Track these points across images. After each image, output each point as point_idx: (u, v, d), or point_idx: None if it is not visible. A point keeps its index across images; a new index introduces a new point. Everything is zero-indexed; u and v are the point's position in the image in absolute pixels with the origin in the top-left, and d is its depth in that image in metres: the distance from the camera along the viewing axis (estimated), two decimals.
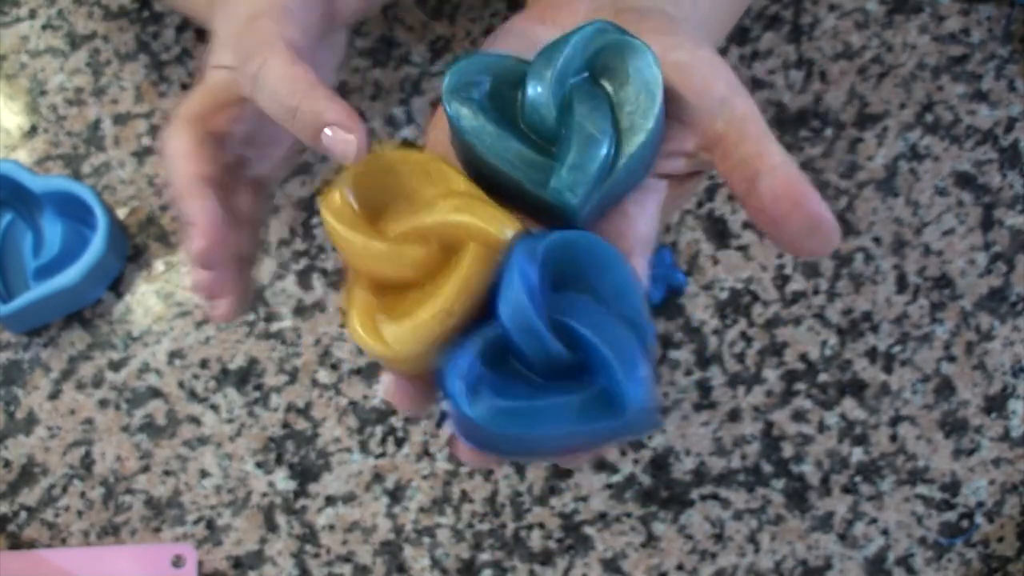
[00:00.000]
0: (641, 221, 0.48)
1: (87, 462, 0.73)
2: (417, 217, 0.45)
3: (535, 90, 0.44)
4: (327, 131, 0.45)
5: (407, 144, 0.77)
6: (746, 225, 0.77)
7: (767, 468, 0.73)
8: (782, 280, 0.75)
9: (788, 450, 0.73)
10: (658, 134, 0.46)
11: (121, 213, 0.77)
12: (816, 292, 0.76)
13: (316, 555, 0.72)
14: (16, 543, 0.72)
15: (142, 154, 0.78)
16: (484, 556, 0.72)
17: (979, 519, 0.72)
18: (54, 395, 0.74)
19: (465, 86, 0.45)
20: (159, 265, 0.77)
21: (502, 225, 0.44)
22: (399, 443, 0.73)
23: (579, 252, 0.45)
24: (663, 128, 0.46)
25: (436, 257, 0.45)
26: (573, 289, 0.45)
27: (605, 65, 0.45)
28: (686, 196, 0.50)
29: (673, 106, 0.47)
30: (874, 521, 0.72)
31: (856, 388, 0.74)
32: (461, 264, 0.44)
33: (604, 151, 0.44)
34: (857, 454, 0.73)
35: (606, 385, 0.44)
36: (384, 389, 0.47)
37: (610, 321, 0.44)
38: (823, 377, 0.74)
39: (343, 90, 0.79)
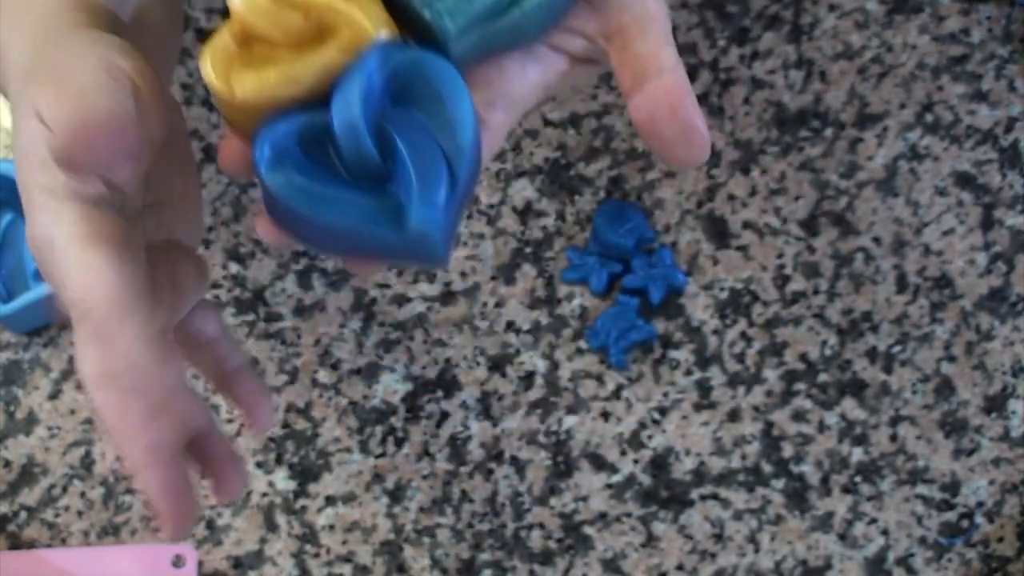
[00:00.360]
0: (516, 79, 0.47)
1: (87, 462, 0.73)
2: None
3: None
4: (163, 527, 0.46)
5: None
6: (746, 225, 0.77)
7: (767, 468, 0.73)
8: (782, 280, 0.75)
9: (788, 450, 0.73)
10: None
11: None
12: (816, 292, 0.76)
13: (316, 555, 0.72)
14: (16, 543, 0.72)
15: None
16: (484, 556, 0.72)
17: (979, 519, 0.72)
18: (54, 395, 0.74)
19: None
20: None
21: (378, 24, 0.45)
22: (399, 443, 0.74)
23: (429, 74, 0.45)
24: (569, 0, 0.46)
25: (311, 33, 0.46)
26: (410, 104, 0.45)
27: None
28: (571, 81, 0.49)
29: None
30: (874, 521, 0.72)
31: (856, 388, 0.74)
32: (327, 45, 0.45)
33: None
34: (857, 454, 0.73)
35: (402, 200, 0.45)
36: (219, 155, 0.47)
37: (431, 145, 0.45)
38: (823, 377, 0.74)
39: None
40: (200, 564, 0.72)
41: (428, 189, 0.44)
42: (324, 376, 0.75)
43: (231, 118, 0.47)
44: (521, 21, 0.46)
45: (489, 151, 0.48)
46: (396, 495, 0.73)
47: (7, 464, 0.73)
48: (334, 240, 0.46)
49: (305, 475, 0.73)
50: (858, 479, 0.73)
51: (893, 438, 0.73)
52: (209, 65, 0.45)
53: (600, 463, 0.73)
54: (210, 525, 0.72)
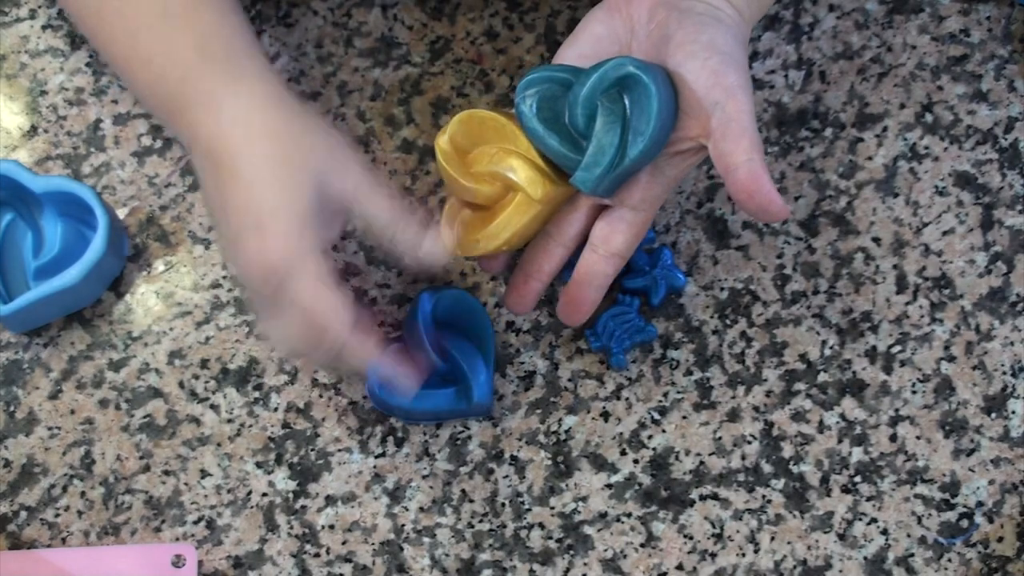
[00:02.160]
0: (650, 186, 0.68)
1: (87, 462, 0.73)
2: (490, 165, 0.68)
3: (573, 103, 0.66)
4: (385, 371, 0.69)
5: (492, 108, 0.78)
6: (746, 225, 0.77)
7: (767, 468, 0.73)
8: (782, 280, 0.75)
9: (788, 450, 0.73)
10: (655, 140, 0.65)
11: (121, 213, 0.77)
12: (816, 292, 0.76)
13: (316, 555, 0.72)
14: (16, 543, 0.72)
15: (142, 154, 0.78)
16: (484, 556, 0.72)
17: (979, 519, 0.72)
18: (54, 395, 0.74)
19: (530, 90, 0.66)
20: (159, 265, 0.77)
21: (536, 187, 0.67)
22: (399, 443, 0.74)
23: (458, 301, 0.73)
24: (664, 132, 0.65)
25: (501, 192, 0.68)
26: (453, 323, 0.73)
27: (627, 88, 0.65)
28: (694, 164, 0.68)
29: (685, 104, 0.65)
30: (874, 521, 0.72)
31: (856, 388, 0.74)
32: (508, 206, 0.68)
33: (608, 159, 0.65)
34: (857, 454, 0.73)
35: (462, 385, 0.72)
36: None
37: (470, 348, 0.72)
38: (823, 377, 0.74)
39: (343, 90, 0.79)
40: (200, 564, 0.72)
41: (476, 377, 0.71)
42: (324, 376, 0.75)
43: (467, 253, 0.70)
44: (632, 163, 0.65)
45: (637, 242, 0.69)
46: (396, 495, 0.73)
47: (7, 464, 0.73)
48: (425, 415, 0.73)
49: (305, 475, 0.73)
50: (858, 479, 0.73)
51: (893, 438, 0.73)
52: (455, 237, 0.69)
53: (600, 463, 0.73)
54: (210, 525, 0.72)
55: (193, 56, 0.66)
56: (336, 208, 0.65)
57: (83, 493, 0.73)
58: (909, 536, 0.72)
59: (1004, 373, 0.74)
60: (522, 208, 0.67)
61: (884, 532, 0.72)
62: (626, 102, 0.65)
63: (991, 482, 0.72)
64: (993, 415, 0.73)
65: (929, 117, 0.78)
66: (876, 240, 0.76)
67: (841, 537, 0.72)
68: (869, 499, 0.72)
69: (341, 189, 0.65)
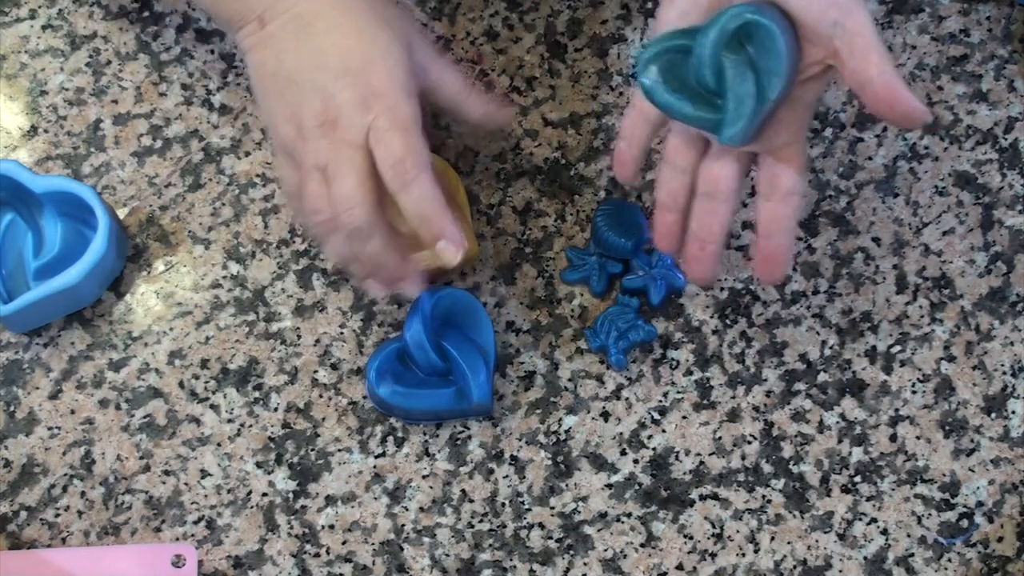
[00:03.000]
0: (793, 117, 0.66)
1: (87, 462, 0.73)
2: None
3: (698, 65, 0.64)
4: (441, 243, 0.67)
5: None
6: (746, 225, 0.77)
7: (767, 468, 0.73)
8: (782, 280, 0.75)
9: (788, 450, 0.73)
10: (789, 77, 0.63)
11: (121, 213, 0.77)
12: (816, 292, 0.76)
13: (316, 555, 0.72)
14: (16, 543, 0.72)
15: (142, 154, 0.78)
16: (484, 556, 0.72)
17: (979, 519, 0.72)
18: (54, 395, 0.74)
19: (650, 67, 0.65)
20: (159, 265, 0.77)
21: (441, 256, 0.69)
22: (399, 443, 0.74)
23: (458, 301, 0.74)
24: (793, 65, 0.64)
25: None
26: (453, 323, 0.74)
27: (747, 35, 0.63)
28: (825, 85, 0.66)
29: (803, 31, 0.64)
30: (874, 521, 0.72)
31: (856, 388, 0.74)
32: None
33: (750, 108, 0.64)
34: (857, 454, 0.73)
35: (462, 385, 0.72)
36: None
37: (470, 347, 0.73)
38: (823, 377, 0.74)
39: None
40: (200, 564, 0.72)
41: (476, 376, 0.71)
42: (324, 376, 0.75)
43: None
44: (770, 104, 0.64)
45: (802, 172, 0.67)
46: (396, 495, 0.73)
47: (7, 464, 0.73)
48: (424, 415, 0.73)
49: (305, 475, 0.73)
50: (858, 479, 0.73)
51: (893, 438, 0.73)
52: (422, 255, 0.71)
53: (600, 463, 0.73)
54: (210, 525, 0.72)
55: None
56: (416, 70, 0.69)
57: (83, 493, 0.73)
58: (909, 536, 0.72)
59: (1004, 373, 0.74)
60: (436, 257, 0.69)
61: (884, 532, 0.72)
62: (749, 49, 0.64)
63: (991, 482, 0.72)
64: (993, 415, 0.73)
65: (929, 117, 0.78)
66: (876, 240, 0.76)
67: (841, 537, 0.72)
68: (869, 499, 0.72)
69: (422, 55, 0.70)
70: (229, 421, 0.74)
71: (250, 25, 0.69)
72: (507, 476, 0.73)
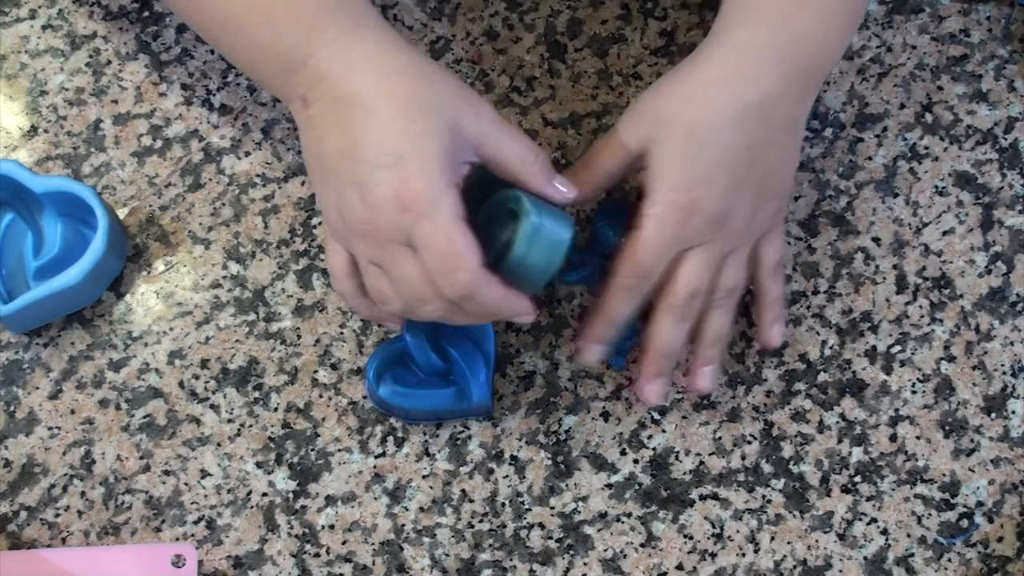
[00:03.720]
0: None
1: (87, 462, 0.73)
2: None
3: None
4: (517, 319, 0.67)
5: None
6: None
7: (767, 468, 0.73)
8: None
9: (788, 450, 0.73)
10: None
11: (121, 213, 0.77)
12: (816, 292, 0.76)
13: (316, 555, 0.72)
14: (16, 543, 0.72)
15: (142, 154, 0.78)
16: (484, 556, 0.72)
17: (979, 519, 0.72)
18: (54, 395, 0.74)
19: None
20: (159, 265, 0.77)
21: None
22: (399, 443, 0.74)
23: None
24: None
25: None
26: (455, 324, 0.69)
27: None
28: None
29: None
30: (874, 521, 0.72)
31: (856, 388, 0.74)
32: None
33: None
34: (857, 454, 0.73)
35: (462, 385, 0.72)
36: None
37: (471, 348, 0.72)
38: (823, 377, 0.74)
39: None
40: (200, 564, 0.72)
41: (476, 377, 0.72)
42: (324, 376, 0.75)
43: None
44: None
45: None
46: (396, 495, 0.73)
47: (7, 464, 0.73)
48: (423, 415, 0.73)
49: (305, 475, 0.73)
50: (858, 479, 0.73)
51: (893, 438, 0.73)
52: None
53: (600, 463, 0.73)
54: (210, 525, 0.72)
55: (314, 9, 0.67)
56: (466, 149, 0.65)
57: (83, 493, 0.73)
58: (909, 536, 0.72)
59: (1004, 373, 0.74)
60: None
61: (884, 532, 0.72)
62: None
63: (991, 482, 0.72)
64: (993, 415, 0.73)
65: (929, 117, 0.78)
66: (876, 240, 0.76)
67: (841, 537, 0.72)
68: (869, 499, 0.72)
69: (473, 131, 0.65)
70: (229, 421, 0.74)
71: (295, 104, 0.67)
72: (507, 476, 0.73)
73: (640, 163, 0.68)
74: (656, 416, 0.74)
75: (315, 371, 0.75)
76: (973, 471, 0.73)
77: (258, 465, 0.73)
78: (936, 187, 0.77)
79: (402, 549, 0.72)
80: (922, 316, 0.75)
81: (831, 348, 0.75)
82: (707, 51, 0.69)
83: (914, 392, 0.74)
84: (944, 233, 0.76)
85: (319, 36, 0.66)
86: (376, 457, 0.73)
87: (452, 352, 0.72)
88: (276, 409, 0.74)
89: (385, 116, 0.64)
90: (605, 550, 0.72)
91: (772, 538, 0.72)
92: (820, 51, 0.69)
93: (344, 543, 0.72)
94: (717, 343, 0.71)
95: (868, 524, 0.72)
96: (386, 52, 0.66)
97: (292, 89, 0.67)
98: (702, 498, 0.72)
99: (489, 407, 0.72)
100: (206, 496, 0.73)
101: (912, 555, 0.71)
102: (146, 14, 0.81)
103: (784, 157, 0.69)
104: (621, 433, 0.73)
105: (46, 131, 0.79)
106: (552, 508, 0.72)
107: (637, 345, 0.74)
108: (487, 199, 0.68)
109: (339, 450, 0.73)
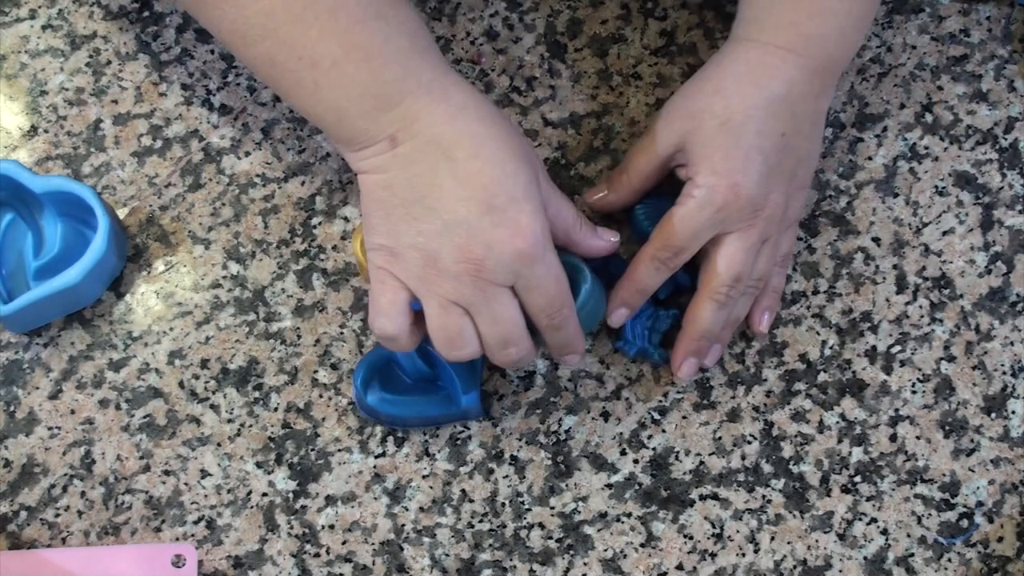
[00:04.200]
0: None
1: (87, 462, 0.73)
2: None
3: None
4: (567, 357, 0.70)
5: None
6: None
7: (767, 468, 0.73)
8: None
9: (788, 450, 0.73)
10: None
11: (121, 213, 0.77)
12: (816, 292, 0.76)
13: (316, 555, 0.72)
14: (16, 543, 0.72)
15: (142, 154, 0.78)
16: (484, 556, 0.72)
17: (979, 519, 0.72)
18: (54, 395, 0.74)
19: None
20: (159, 265, 0.77)
21: None
22: (399, 443, 0.74)
23: None
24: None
25: None
26: None
27: None
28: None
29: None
30: (874, 521, 0.72)
31: (856, 388, 0.74)
32: None
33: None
34: (857, 454, 0.73)
35: (450, 390, 0.72)
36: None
37: None
38: (823, 377, 0.74)
39: None
40: (200, 564, 0.72)
41: (464, 382, 0.72)
42: (324, 376, 0.75)
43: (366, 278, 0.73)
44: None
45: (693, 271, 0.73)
46: (396, 495, 0.73)
47: (7, 464, 0.73)
48: (412, 421, 0.73)
49: (305, 475, 0.73)
50: (858, 479, 0.73)
51: (893, 438, 0.73)
52: (358, 245, 0.73)
53: (600, 463, 0.73)
54: (210, 525, 0.72)
55: (409, 49, 0.66)
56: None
57: (83, 493, 0.73)
58: (909, 536, 0.72)
59: (1004, 373, 0.74)
60: None
61: (884, 532, 0.72)
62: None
63: (991, 482, 0.72)
64: (993, 415, 0.73)
65: (929, 117, 0.78)
66: (876, 240, 0.76)
67: (841, 537, 0.72)
68: (869, 499, 0.72)
69: (543, 187, 0.67)
70: (229, 421, 0.74)
71: (379, 144, 0.66)
72: (507, 476, 0.73)
73: (677, 161, 0.70)
74: (656, 416, 0.74)
75: (315, 371, 0.75)
76: (973, 471, 0.73)
77: (258, 465, 0.73)
78: (936, 187, 0.77)
79: (402, 549, 0.72)
80: (922, 316, 0.75)
81: (831, 348, 0.75)
82: (729, 51, 0.70)
83: (914, 392, 0.74)
84: (944, 233, 0.76)
85: (416, 77, 0.65)
86: (376, 457, 0.73)
87: (438, 357, 0.72)
88: (276, 409, 0.74)
89: (494, 160, 0.64)
90: (605, 550, 0.72)
91: (772, 538, 0.72)
92: (838, 48, 0.70)
93: (344, 543, 0.72)
94: (733, 326, 0.73)
95: (868, 524, 0.72)
96: (475, 97, 0.67)
97: (381, 128, 0.66)
98: (702, 498, 0.72)
99: (479, 411, 0.72)
100: (206, 496, 0.73)
101: (912, 555, 0.71)
102: (146, 14, 0.81)
103: (811, 148, 0.71)
104: (621, 433, 0.73)
105: (46, 131, 0.79)
106: (552, 508, 0.72)
107: (667, 331, 0.74)
108: None
109: (339, 450, 0.73)
